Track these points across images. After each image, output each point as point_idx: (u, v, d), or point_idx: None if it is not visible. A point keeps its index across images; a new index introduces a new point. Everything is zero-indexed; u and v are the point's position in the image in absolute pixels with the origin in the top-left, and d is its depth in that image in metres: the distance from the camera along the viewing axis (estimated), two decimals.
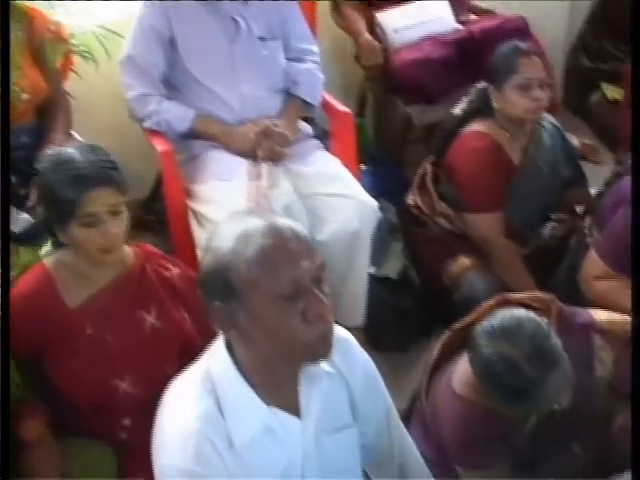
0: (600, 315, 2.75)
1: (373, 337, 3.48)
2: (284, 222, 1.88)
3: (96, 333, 2.52)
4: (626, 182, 3.12)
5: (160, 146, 3.52)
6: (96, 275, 2.55)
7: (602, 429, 2.72)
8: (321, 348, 1.89)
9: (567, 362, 2.42)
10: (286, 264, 1.81)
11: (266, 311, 1.82)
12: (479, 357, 2.43)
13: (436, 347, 2.76)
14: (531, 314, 2.48)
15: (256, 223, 1.85)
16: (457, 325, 2.74)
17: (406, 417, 2.72)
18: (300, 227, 1.89)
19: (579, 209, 3.83)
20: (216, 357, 1.98)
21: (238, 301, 1.83)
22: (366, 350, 2.21)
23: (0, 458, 2.15)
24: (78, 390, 2.51)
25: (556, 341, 2.43)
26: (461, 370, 2.59)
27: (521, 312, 2.49)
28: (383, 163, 4.47)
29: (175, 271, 2.67)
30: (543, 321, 2.48)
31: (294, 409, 2.00)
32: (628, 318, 2.79)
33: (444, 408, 2.60)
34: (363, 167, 4.11)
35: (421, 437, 2.60)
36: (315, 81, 3.80)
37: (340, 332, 2.06)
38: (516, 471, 2.59)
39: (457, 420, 2.55)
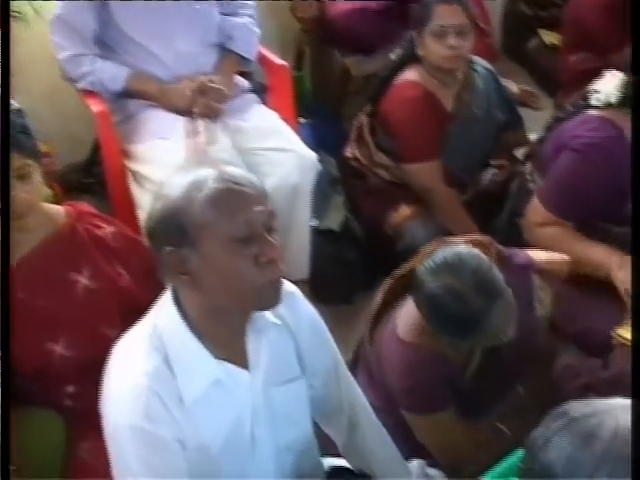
0: (538, 255, 2.78)
1: (318, 289, 3.48)
2: (235, 169, 1.89)
3: (27, 297, 2.48)
4: (567, 127, 3.13)
5: (95, 107, 3.48)
6: (22, 238, 2.49)
7: (545, 369, 2.76)
8: (272, 294, 1.90)
9: (510, 293, 2.44)
10: (240, 207, 1.82)
11: (219, 254, 1.82)
12: (424, 294, 2.44)
13: (378, 295, 2.77)
14: (472, 249, 2.50)
15: (207, 171, 1.85)
16: (398, 272, 2.74)
17: (352, 367, 2.73)
18: (251, 175, 1.90)
19: (519, 154, 3.84)
20: (163, 312, 1.97)
21: (190, 245, 1.82)
22: (311, 303, 2.21)
23: (0, 458, 2.13)
24: (14, 355, 2.49)
25: (498, 273, 2.45)
26: (405, 315, 2.60)
27: (461, 247, 2.50)
28: (322, 116, 4.45)
29: (109, 229, 2.63)
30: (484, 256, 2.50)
31: (242, 362, 2.00)
32: (566, 257, 2.82)
33: (389, 355, 2.62)
34: (302, 120, 4.09)
35: (367, 385, 2.62)
36: (251, 35, 3.77)
37: (286, 285, 2.06)
38: (462, 415, 2.62)
39: (403, 365, 2.56)
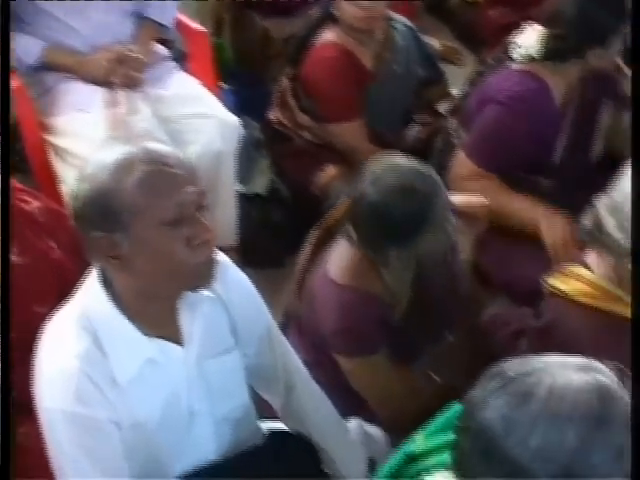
0: (457, 199, 2.78)
1: (248, 255, 3.49)
2: (163, 147, 1.85)
3: None
4: (490, 80, 3.15)
5: (11, 82, 3.40)
6: None
7: (473, 317, 2.78)
8: (205, 274, 1.89)
9: (444, 187, 2.45)
10: (170, 189, 1.78)
11: (151, 237, 1.79)
12: (369, 206, 2.40)
13: (306, 247, 2.75)
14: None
15: (135, 150, 1.81)
16: (323, 223, 2.73)
17: (282, 328, 2.72)
18: (182, 154, 1.86)
19: (442, 109, 3.86)
20: (90, 293, 1.94)
21: (121, 229, 1.78)
22: (242, 268, 2.20)
23: (0, 458, 2.09)
24: None
25: None
26: (336, 258, 2.58)
27: (389, 157, 2.50)
28: (245, 81, 4.42)
29: (36, 204, 2.58)
30: None
31: (176, 337, 1.99)
32: (484, 200, 2.83)
33: (322, 299, 2.60)
34: (224, 86, 4.08)
35: (297, 342, 2.63)
36: (167, 2, 3.70)
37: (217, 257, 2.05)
38: (394, 359, 2.62)
39: (336, 307, 2.54)
